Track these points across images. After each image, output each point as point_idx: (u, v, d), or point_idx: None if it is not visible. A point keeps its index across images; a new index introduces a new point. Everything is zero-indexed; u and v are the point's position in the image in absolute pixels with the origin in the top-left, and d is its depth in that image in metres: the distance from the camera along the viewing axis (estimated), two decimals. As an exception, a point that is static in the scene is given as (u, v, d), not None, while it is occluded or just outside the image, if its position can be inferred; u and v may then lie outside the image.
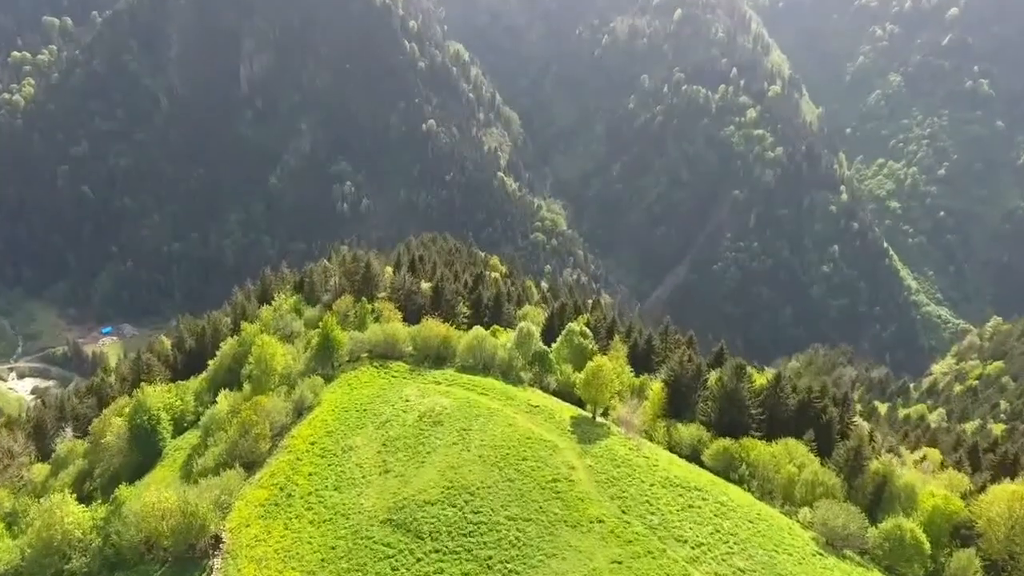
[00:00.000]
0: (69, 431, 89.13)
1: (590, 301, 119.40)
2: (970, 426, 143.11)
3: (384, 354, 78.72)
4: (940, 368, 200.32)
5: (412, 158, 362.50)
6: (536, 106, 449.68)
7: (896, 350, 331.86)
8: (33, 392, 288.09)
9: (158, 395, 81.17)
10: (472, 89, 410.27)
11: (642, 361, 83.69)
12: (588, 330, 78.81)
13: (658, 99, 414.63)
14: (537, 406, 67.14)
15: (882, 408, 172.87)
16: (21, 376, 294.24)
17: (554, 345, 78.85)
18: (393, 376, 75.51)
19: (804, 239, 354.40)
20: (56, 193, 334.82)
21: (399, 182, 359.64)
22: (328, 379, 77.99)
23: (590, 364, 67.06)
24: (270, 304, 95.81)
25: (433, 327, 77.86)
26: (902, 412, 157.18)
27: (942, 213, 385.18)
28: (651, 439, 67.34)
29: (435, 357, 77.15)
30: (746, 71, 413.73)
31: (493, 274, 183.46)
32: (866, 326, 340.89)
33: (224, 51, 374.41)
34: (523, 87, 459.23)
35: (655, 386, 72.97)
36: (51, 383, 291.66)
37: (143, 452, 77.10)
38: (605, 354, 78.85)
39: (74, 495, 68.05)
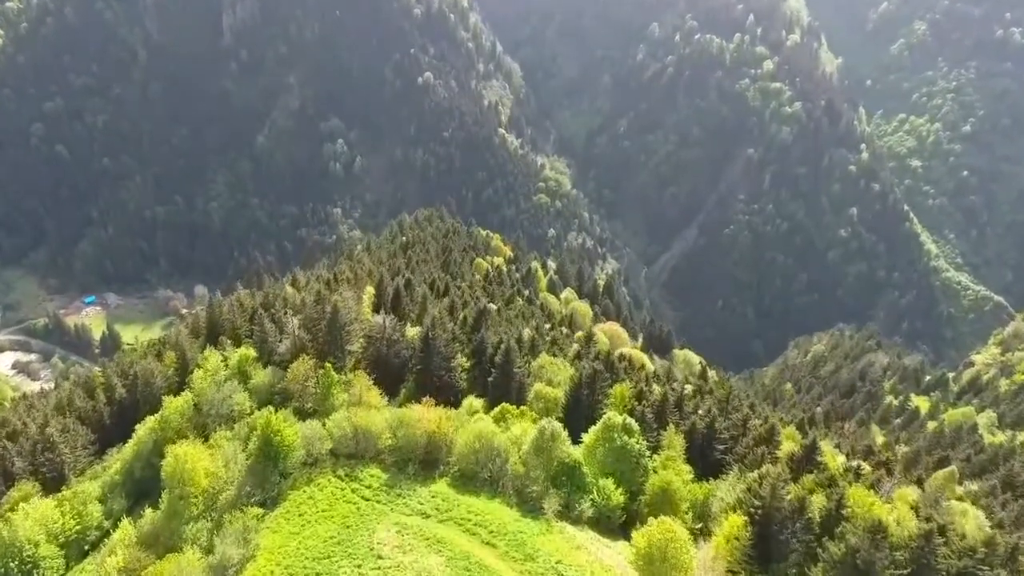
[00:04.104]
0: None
1: (629, 357, 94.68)
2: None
3: (353, 453, 58.57)
4: (982, 358, 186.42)
5: (408, 114, 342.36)
6: (539, 57, 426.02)
7: (914, 318, 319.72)
8: (14, 367, 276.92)
9: (41, 514, 60.43)
10: (471, 38, 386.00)
11: (699, 452, 61.68)
12: (634, 423, 58.03)
13: (668, 49, 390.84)
14: (570, 580, 45.38)
15: (922, 404, 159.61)
16: (0, 350, 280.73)
17: (585, 439, 58.50)
18: (364, 497, 54.02)
19: (821, 201, 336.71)
20: (30, 153, 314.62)
21: (395, 140, 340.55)
22: (272, 503, 56.60)
23: (653, 534, 46.67)
24: (217, 345, 77.95)
25: (419, 417, 57.58)
26: (948, 416, 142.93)
27: (965, 172, 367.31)
28: (730, 607, 47.79)
29: (423, 458, 57.36)
30: (763, 18, 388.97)
31: (496, 260, 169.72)
32: (883, 293, 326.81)
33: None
34: (525, 36, 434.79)
35: (734, 520, 50.67)
36: (32, 357, 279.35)
37: None
38: (656, 452, 60.64)
39: None
